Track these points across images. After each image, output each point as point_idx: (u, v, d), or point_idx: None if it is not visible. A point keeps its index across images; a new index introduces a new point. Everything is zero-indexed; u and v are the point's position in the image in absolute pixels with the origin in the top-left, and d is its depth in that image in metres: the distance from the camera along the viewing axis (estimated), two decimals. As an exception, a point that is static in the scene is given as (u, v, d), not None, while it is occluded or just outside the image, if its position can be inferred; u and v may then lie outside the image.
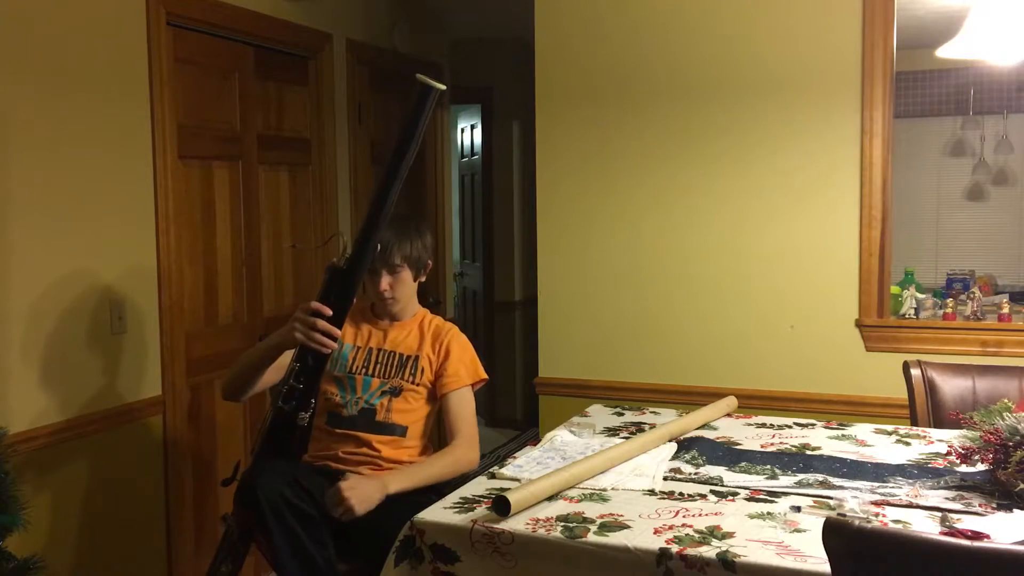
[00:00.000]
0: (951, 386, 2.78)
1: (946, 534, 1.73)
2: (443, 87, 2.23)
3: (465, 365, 2.67)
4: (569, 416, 2.81)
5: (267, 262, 3.95)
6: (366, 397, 2.62)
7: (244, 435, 3.80)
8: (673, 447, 2.41)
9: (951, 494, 2.02)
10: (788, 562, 1.68)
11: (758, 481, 2.14)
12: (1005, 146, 6.05)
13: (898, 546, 1.41)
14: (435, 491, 2.37)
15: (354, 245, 2.31)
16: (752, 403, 3.26)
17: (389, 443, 2.60)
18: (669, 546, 1.76)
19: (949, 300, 3.44)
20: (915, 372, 2.82)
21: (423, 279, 2.75)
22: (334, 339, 2.29)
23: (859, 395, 3.34)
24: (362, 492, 2.29)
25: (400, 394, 2.62)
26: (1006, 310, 3.29)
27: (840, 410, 3.30)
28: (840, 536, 1.43)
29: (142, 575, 3.31)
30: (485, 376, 2.72)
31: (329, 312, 2.29)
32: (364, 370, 2.65)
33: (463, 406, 2.64)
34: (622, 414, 2.84)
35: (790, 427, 2.67)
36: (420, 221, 2.79)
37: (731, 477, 2.17)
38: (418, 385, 2.64)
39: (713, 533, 1.82)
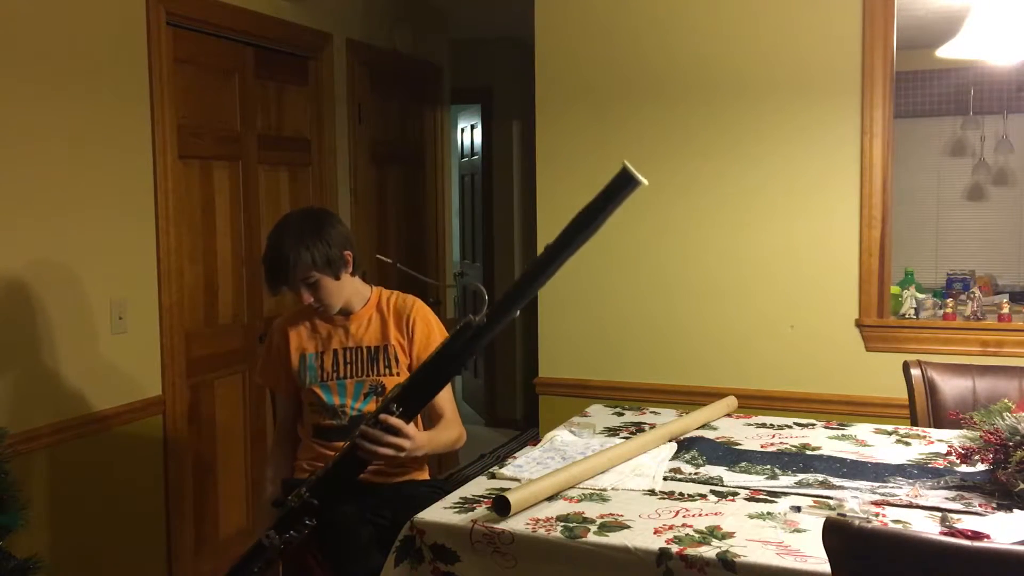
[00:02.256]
0: (951, 386, 2.78)
1: (946, 534, 1.73)
2: (645, 182, 1.95)
3: (436, 342, 2.54)
4: (569, 416, 2.81)
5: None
6: (351, 403, 2.53)
7: (244, 435, 3.80)
8: (673, 447, 2.40)
9: (951, 494, 2.02)
10: (788, 562, 1.68)
11: (758, 481, 2.14)
12: (1005, 146, 6.05)
13: (898, 546, 1.41)
14: (436, 490, 2.37)
15: (494, 306, 2.09)
16: (752, 403, 3.25)
17: None
18: (669, 546, 1.76)
19: (949, 300, 3.44)
20: (915, 372, 2.82)
21: (351, 272, 2.52)
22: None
23: (859, 395, 3.34)
24: (405, 448, 2.24)
25: (385, 392, 2.51)
26: (1006, 310, 3.29)
27: (840, 410, 3.29)
28: (840, 536, 1.43)
29: (142, 575, 3.31)
30: None
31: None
32: (335, 375, 2.54)
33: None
34: (622, 414, 2.83)
35: (790, 427, 2.66)
36: (317, 219, 2.50)
37: (731, 477, 2.17)
38: (398, 375, 2.54)
39: (713, 533, 1.82)
